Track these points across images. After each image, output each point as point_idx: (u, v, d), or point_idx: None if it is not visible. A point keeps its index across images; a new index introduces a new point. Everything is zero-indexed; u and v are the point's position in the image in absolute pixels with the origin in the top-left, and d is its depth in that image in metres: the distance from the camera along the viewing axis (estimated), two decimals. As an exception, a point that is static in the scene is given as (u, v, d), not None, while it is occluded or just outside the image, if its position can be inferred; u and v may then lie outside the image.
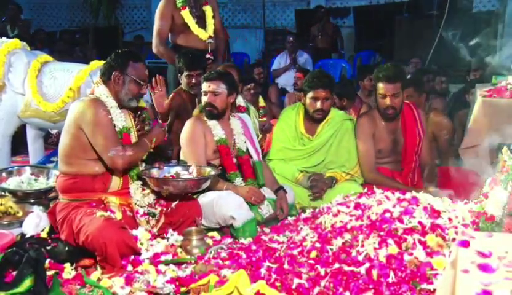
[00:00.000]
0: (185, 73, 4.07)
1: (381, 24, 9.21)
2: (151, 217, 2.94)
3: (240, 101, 4.12)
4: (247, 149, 3.49)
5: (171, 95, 4.14)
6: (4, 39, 3.99)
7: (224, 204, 3.12)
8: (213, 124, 3.39)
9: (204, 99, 3.38)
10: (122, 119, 2.89)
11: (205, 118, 3.41)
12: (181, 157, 3.37)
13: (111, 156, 2.76)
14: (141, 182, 2.98)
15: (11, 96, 3.86)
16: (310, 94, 3.70)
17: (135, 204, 2.93)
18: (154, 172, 3.03)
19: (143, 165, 3.07)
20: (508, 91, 3.76)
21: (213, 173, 3.08)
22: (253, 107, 4.60)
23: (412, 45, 7.51)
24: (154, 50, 4.57)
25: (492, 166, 3.18)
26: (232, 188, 3.30)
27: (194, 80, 4.04)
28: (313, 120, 3.77)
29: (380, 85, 3.60)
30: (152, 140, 2.95)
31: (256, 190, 3.33)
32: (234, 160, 3.44)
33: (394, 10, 9.67)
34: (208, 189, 3.23)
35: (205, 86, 3.38)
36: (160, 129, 3.03)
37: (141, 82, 2.94)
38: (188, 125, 3.41)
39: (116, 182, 2.89)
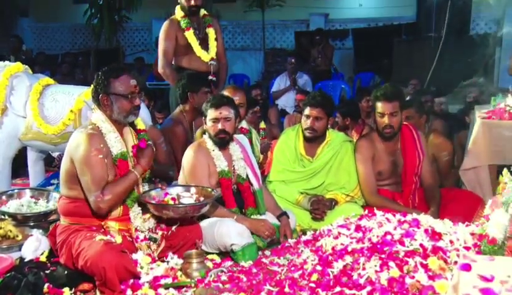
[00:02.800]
0: (203, 89, 4.09)
1: (380, 46, 9.31)
2: (152, 242, 2.92)
3: (243, 123, 4.13)
4: (247, 176, 3.44)
5: (170, 124, 4.14)
6: (7, 62, 4.02)
7: (226, 232, 3.09)
8: (217, 154, 3.34)
9: (216, 126, 3.28)
10: (117, 145, 2.83)
11: (208, 146, 3.35)
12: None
13: (92, 201, 2.73)
14: (140, 208, 2.95)
15: (12, 119, 3.87)
16: (304, 112, 3.76)
17: (135, 229, 2.91)
18: (154, 194, 3.01)
19: (146, 186, 3.05)
20: (507, 113, 3.78)
21: (215, 193, 3.06)
22: (254, 129, 4.61)
23: (410, 66, 7.58)
24: (160, 70, 4.59)
25: (492, 188, 3.18)
26: (242, 220, 3.22)
27: (210, 96, 4.05)
28: (307, 138, 3.78)
29: (379, 104, 3.62)
30: (140, 168, 2.86)
31: (269, 224, 3.28)
32: (234, 186, 3.41)
33: (392, 32, 9.80)
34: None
35: (215, 113, 3.28)
36: (148, 153, 2.89)
37: (130, 96, 2.84)
38: (191, 153, 3.33)
39: (116, 210, 2.86)
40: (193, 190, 3.08)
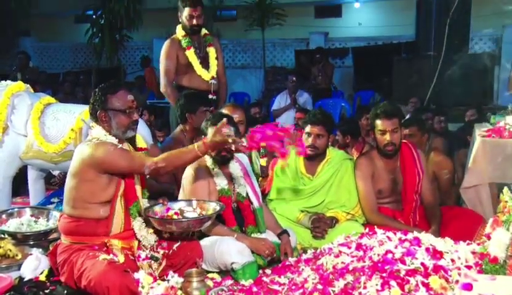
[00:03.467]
0: (202, 109, 4.08)
1: (380, 65, 9.38)
2: (153, 261, 2.91)
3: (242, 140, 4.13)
4: (247, 194, 3.45)
5: (171, 144, 4.16)
6: (9, 81, 4.04)
7: (226, 250, 3.08)
8: (217, 173, 3.34)
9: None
10: None
11: (208, 164, 3.35)
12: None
13: (148, 173, 2.79)
14: (142, 220, 2.94)
15: (13, 137, 3.88)
16: (304, 130, 3.77)
17: (138, 247, 2.90)
18: (157, 209, 3.00)
19: (146, 202, 3.04)
20: (507, 131, 3.79)
21: (218, 208, 3.04)
22: (254, 148, 4.62)
23: (410, 84, 7.63)
24: (162, 89, 4.62)
25: (493, 206, 3.18)
26: (243, 238, 3.22)
27: (209, 115, 4.07)
28: (307, 156, 3.79)
29: (379, 122, 3.63)
30: (203, 147, 2.78)
31: (270, 243, 3.27)
32: (234, 204, 3.41)
33: (392, 50, 9.89)
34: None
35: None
36: (219, 132, 2.79)
37: (127, 110, 2.85)
38: (191, 172, 3.32)
39: (117, 225, 2.86)
40: (195, 204, 3.06)
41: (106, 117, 2.84)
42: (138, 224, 2.91)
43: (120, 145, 2.81)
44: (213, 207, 3.06)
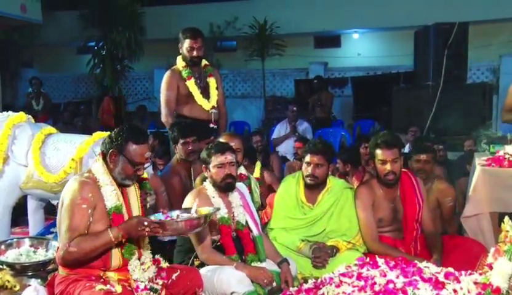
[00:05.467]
0: (181, 141, 4.14)
1: (379, 94, 9.45)
2: (152, 293, 2.87)
3: (241, 169, 4.15)
4: (246, 222, 3.44)
5: (168, 175, 4.17)
6: (10, 112, 4.07)
7: (226, 280, 3.06)
8: (217, 201, 3.35)
9: (223, 171, 3.31)
10: (113, 198, 2.81)
11: (208, 193, 3.37)
12: None
13: (59, 249, 2.71)
14: (138, 261, 2.89)
15: (14, 167, 3.89)
16: (304, 159, 3.79)
17: (135, 280, 2.86)
18: (153, 218, 2.92)
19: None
20: (507, 161, 3.79)
21: (211, 210, 2.98)
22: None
23: (409, 114, 7.67)
24: (163, 119, 4.66)
25: (494, 236, 3.16)
26: (243, 267, 3.20)
27: (190, 147, 4.11)
28: (307, 185, 3.79)
29: (379, 152, 3.65)
30: (119, 234, 2.69)
31: (268, 272, 3.25)
32: (234, 233, 3.39)
33: (390, 80, 9.98)
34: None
35: (220, 158, 3.32)
36: (133, 222, 2.71)
37: (137, 165, 2.81)
38: (192, 200, 3.32)
39: (116, 261, 2.82)
40: (193, 210, 2.97)
41: (116, 157, 2.81)
42: (132, 266, 2.86)
43: (85, 206, 2.71)
44: (208, 209, 2.99)
